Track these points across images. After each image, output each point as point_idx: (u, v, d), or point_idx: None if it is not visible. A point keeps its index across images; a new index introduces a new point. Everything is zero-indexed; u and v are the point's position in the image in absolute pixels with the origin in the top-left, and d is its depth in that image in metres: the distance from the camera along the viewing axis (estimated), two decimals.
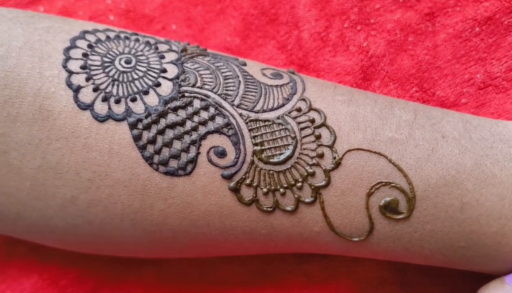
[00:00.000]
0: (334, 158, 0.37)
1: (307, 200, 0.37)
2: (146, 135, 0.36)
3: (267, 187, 0.37)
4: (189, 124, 0.37)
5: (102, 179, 0.36)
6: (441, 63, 0.47)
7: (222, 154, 0.36)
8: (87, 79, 0.37)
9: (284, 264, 0.47)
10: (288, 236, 0.38)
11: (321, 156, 0.37)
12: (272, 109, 0.38)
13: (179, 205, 0.37)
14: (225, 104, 0.37)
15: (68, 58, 0.37)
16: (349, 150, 0.37)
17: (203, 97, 0.37)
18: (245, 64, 0.41)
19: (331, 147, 0.37)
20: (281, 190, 0.37)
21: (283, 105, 0.38)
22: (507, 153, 0.37)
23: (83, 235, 0.39)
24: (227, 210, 0.37)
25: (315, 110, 0.38)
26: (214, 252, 0.42)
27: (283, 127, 0.37)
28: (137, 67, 0.38)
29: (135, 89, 0.37)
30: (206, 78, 0.38)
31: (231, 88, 0.38)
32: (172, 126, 0.36)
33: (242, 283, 0.47)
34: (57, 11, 0.50)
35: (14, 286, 0.47)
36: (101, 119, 0.36)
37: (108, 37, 0.39)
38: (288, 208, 0.37)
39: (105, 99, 0.36)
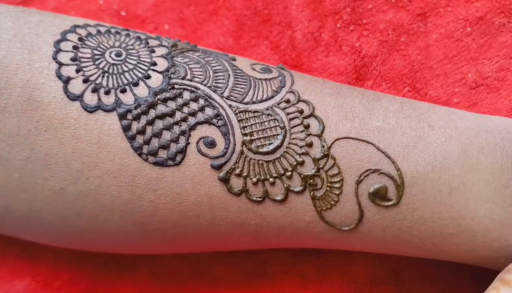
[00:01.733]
0: (323, 146, 0.37)
1: (296, 189, 0.37)
2: (136, 126, 0.36)
3: (257, 177, 0.37)
4: (178, 115, 0.37)
5: (91, 170, 0.36)
6: (433, 63, 0.47)
7: (211, 144, 0.36)
8: (77, 71, 0.37)
9: (279, 264, 0.47)
10: (278, 227, 0.38)
11: (310, 145, 0.37)
12: (261, 101, 0.38)
13: (169, 196, 0.37)
14: (214, 95, 0.37)
15: (58, 50, 0.37)
16: (337, 139, 0.37)
17: (192, 89, 0.37)
18: (234, 59, 0.41)
19: (319, 136, 0.37)
20: (271, 179, 0.37)
21: (272, 97, 0.38)
22: (492, 142, 0.37)
23: (73, 228, 0.39)
24: (217, 200, 0.37)
25: (304, 101, 0.38)
26: (204, 245, 0.41)
27: (272, 117, 0.37)
28: (127, 60, 0.38)
29: (125, 81, 0.37)
30: (196, 71, 0.38)
31: (221, 80, 0.38)
32: (161, 116, 0.37)
33: (237, 283, 0.47)
34: (49, 11, 0.50)
35: (7, 288, 0.47)
36: (91, 110, 0.36)
37: (98, 32, 0.40)
38: (278, 198, 0.37)
39: (94, 90, 0.37)
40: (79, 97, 0.36)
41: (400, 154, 0.36)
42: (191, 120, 0.37)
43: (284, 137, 0.37)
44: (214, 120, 0.37)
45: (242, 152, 0.37)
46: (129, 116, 0.36)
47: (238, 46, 0.50)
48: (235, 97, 0.38)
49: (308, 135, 0.37)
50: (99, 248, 0.42)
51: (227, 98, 0.38)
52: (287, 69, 0.42)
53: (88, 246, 0.42)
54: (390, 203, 0.36)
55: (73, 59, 0.37)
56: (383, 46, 0.48)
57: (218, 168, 0.36)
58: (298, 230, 0.38)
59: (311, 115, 0.38)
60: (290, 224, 0.38)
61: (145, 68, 0.38)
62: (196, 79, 0.38)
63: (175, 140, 0.36)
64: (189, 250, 0.44)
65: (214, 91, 0.38)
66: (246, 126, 0.37)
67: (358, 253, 0.45)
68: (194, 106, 0.37)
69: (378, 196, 0.36)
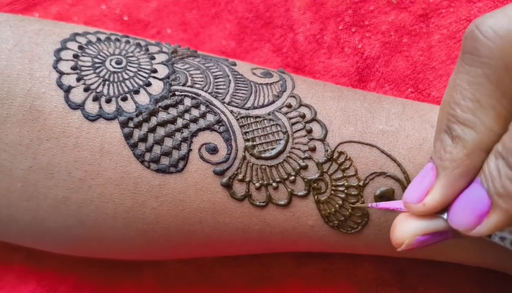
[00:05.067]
0: (326, 150, 0.37)
1: (300, 193, 0.37)
2: (137, 133, 0.36)
3: (260, 182, 0.37)
4: (180, 122, 0.37)
5: (93, 178, 0.36)
6: (436, 63, 0.47)
7: (213, 150, 0.37)
8: (78, 80, 0.37)
9: (283, 267, 0.47)
10: (281, 232, 0.38)
11: (313, 149, 0.37)
12: (262, 106, 0.38)
13: (171, 202, 0.37)
14: (215, 101, 0.37)
15: (58, 59, 0.38)
16: (341, 143, 0.37)
17: (193, 95, 0.37)
18: (235, 64, 0.41)
19: (322, 140, 0.37)
20: (274, 184, 0.37)
21: (273, 102, 0.38)
22: None
23: (76, 236, 0.39)
24: (220, 206, 0.37)
25: (306, 106, 0.38)
26: (208, 251, 0.41)
27: (274, 122, 0.37)
28: (128, 67, 0.38)
29: (126, 89, 0.37)
30: (196, 77, 0.38)
31: (222, 86, 0.38)
32: (163, 124, 0.37)
33: (242, 286, 0.47)
34: (52, 17, 0.50)
35: None
36: (92, 118, 0.36)
37: (98, 39, 0.40)
38: (281, 202, 0.37)
39: (96, 99, 0.37)
40: (80, 106, 0.36)
41: (405, 157, 0.36)
42: (193, 127, 0.37)
43: (287, 142, 0.37)
44: (216, 126, 0.37)
45: (244, 158, 0.37)
46: (131, 124, 0.36)
47: (241, 49, 0.50)
48: (236, 103, 0.38)
49: (311, 139, 0.37)
50: (102, 255, 0.43)
51: (228, 103, 0.38)
52: (287, 72, 0.42)
53: (91, 253, 0.42)
54: None
55: (74, 68, 0.37)
56: (386, 47, 0.48)
57: (220, 174, 0.36)
58: (301, 234, 0.38)
59: (314, 119, 0.38)
60: (294, 228, 0.38)
61: (146, 75, 0.38)
62: (197, 86, 0.38)
63: (177, 147, 0.36)
64: (193, 256, 0.44)
65: (215, 97, 0.38)
66: (248, 132, 0.37)
67: (364, 255, 0.45)
68: (195, 112, 0.37)
69: (385, 198, 0.36)
